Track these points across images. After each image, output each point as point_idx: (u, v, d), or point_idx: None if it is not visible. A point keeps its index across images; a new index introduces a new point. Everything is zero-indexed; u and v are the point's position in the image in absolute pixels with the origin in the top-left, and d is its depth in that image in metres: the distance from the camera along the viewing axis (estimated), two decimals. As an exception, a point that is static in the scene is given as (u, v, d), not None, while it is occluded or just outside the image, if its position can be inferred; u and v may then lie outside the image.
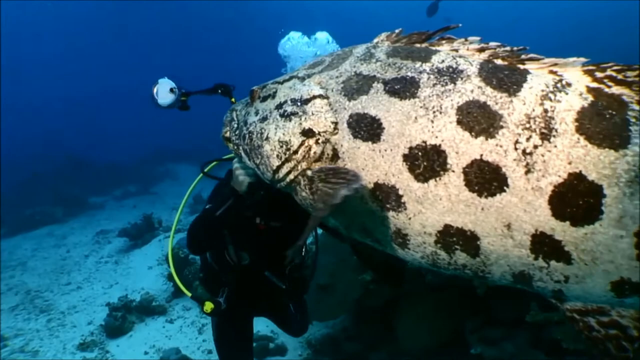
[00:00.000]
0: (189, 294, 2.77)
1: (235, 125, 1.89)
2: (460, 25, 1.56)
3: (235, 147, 1.87)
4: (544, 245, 1.26)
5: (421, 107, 1.39)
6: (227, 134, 1.95)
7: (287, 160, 1.57)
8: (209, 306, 2.63)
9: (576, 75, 1.34)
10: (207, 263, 2.86)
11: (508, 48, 1.43)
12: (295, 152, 1.55)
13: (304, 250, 2.92)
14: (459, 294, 4.04)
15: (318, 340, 5.09)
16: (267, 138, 1.63)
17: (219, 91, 2.61)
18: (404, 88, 1.44)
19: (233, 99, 2.58)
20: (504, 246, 1.31)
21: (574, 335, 3.14)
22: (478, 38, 1.49)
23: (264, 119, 1.69)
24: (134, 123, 25.76)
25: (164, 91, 2.49)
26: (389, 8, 35.35)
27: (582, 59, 1.35)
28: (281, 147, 1.58)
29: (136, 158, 17.75)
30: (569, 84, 1.32)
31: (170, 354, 4.76)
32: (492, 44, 1.46)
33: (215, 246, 2.72)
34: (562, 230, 1.23)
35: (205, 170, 2.72)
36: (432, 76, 1.43)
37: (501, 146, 1.28)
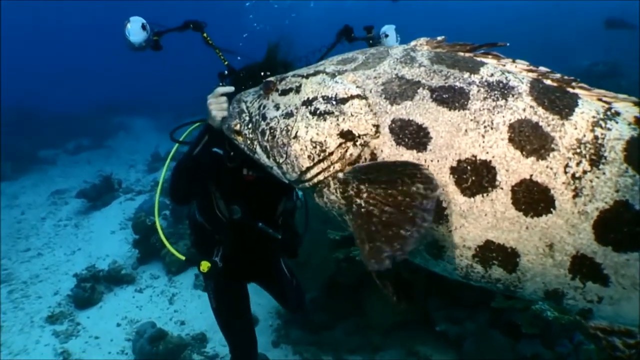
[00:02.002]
0: (183, 258, 2.75)
1: (248, 118, 1.78)
2: (507, 44, 1.54)
3: (249, 142, 1.76)
4: (583, 266, 1.29)
5: (472, 120, 1.36)
6: (237, 127, 1.83)
7: (320, 161, 1.51)
8: (205, 265, 2.60)
9: (625, 105, 1.36)
10: (198, 223, 2.79)
11: (558, 75, 1.42)
12: (331, 153, 1.49)
13: (294, 195, 2.89)
14: (427, 275, 4.26)
15: (287, 311, 5.17)
16: (296, 137, 1.54)
17: (190, 26, 2.48)
18: (452, 98, 1.40)
19: (205, 34, 2.48)
20: (542, 265, 1.33)
21: (532, 321, 3.46)
22: (526, 62, 1.47)
23: (288, 115, 1.60)
24: (84, 69, 24.21)
25: (135, 28, 2.36)
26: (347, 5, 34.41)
27: (634, 98, 1.37)
28: (314, 147, 1.50)
29: (88, 108, 16.71)
30: (617, 113, 1.33)
31: (146, 328, 4.66)
32: (542, 68, 1.45)
33: (196, 193, 2.66)
34: (603, 254, 1.26)
35: (181, 138, 2.63)
36: (482, 89, 1.40)
37: (551, 168, 1.28)
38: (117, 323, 5.16)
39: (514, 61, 1.48)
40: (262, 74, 2.40)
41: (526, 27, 23.00)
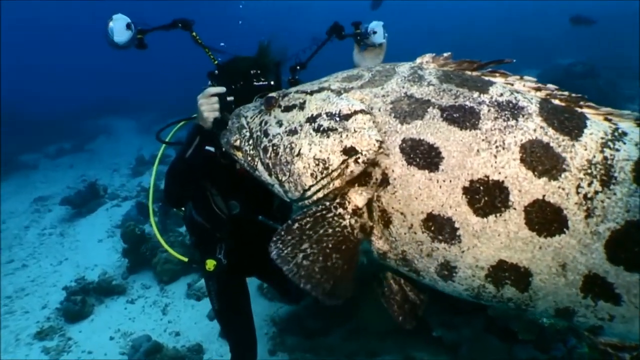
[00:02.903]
0: (185, 259, 2.74)
1: (248, 134, 1.74)
2: (514, 60, 1.53)
3: (249, 158, 1.72)
4: (595, 286, 1.31)
5: (483, 140, 1.36)
6: (238, 143, 1.78)
7: (322, 179, 1.49)
8: (211, 264, 2.60)
9: (629, 125, 1.37)
10: (197, 223, 2.76)
11: (566, 93, 1.43)
12: (334, 171, 1.47)
13: None
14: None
15: (282, 318, 5.12)
16: (299, 154, 1.51)
17: (179, 25, 2.42)
18: (463, 117, 1.40)
19: (194, 33, 2.43)
20: (555, 284, 1.34)
21: (527, 327, 3.53)
22: (534, 79, 1.48)
23: (292, 132, 1.57)
24: (63, 71, 23.63)
25: (119, 27, 2.27)
26: (335, 7, 34.30)
27: (636, 113, 1.40)
28: (317, 165, 1.48)
29: (68, 111, 16.38)
30: (624, 134, 1.35)
31: (142, 342, 4.58)
32: (550, 86, 1.46)
33: (191, 195, 2.66)
34: (615, 274, 1.28)
35: (167, 139, 2.63)
36: (492, 109, 1.40)
37: (564, 189, 1.29)
38: (110, 336, 5.04)
39: (521, 78, 1.48)
40: (252, 72, 2.40)
41: (506, 26, 23.33)
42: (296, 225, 1.46)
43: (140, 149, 12.36)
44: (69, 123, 15.21)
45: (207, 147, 2.37)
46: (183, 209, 2.94)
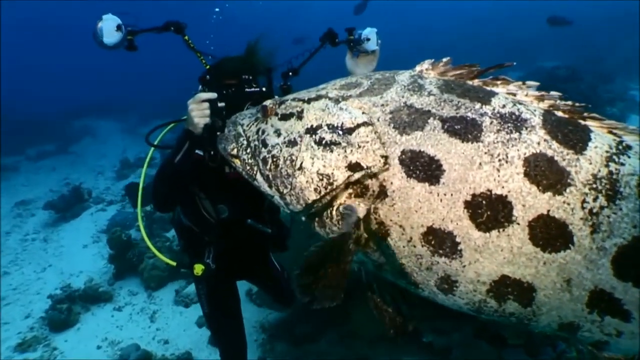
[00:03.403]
0: (174, 264, 2.69)
1: (246, 143, 1.70)
2: (514, 63, 1.50)
3: (248, 168, 1.67)
4: (602, 301, 1.28)
5: (486, 152, 1.32)
6: (235, 152, 1.75)
7: (326, 194, 1.45)
8: (199, 268, 2.56)
9: (634, 138, 1.35)
10: (185, 227, 2.73)
11: (570, 102, 1.39)
12: (339, 187, 1.43)
13: None
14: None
15: (272, 325, 5.07)
16: (301, 168, 1.47)
17: (171, 29, 2.37)
18: (465, 129, 1.35)
19: (186, 37, 2.39)
20: (559, 300, 1.32)
21: (517, 333, 3.57)
22: (536, 83, 1.43)
23: (291, 143, 1.52)
24: (44, 71, 23.14)
25: (109, 28, 2.21)
26: (313, 6, 34.27)
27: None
28: (321, 180, 1.43)
29: (50, 112, 15.94)
30: (629, 147, 1.32)
31: (130, 351, 4.46)
32: (553, 93, 1.41)
33: (180, 199, 2.63)
34: (623, 290, 1.25)
35: (155, 142, 2.57)
36: (494, 121, 1.36)
37: (569, 204, 1.26)
38: (98, 345, 4.90)
39: (523, 83, 1.44)
40: (244, 77, 2.37)
41: (489, 27, 23.57)
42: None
43: (125, 151, 12.17)
44: (51, 124, 14.78)
45: (195, 151, 2.35)
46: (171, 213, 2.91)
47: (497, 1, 29.01)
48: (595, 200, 1.25)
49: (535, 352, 3.68)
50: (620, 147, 1.32)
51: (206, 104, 2.17)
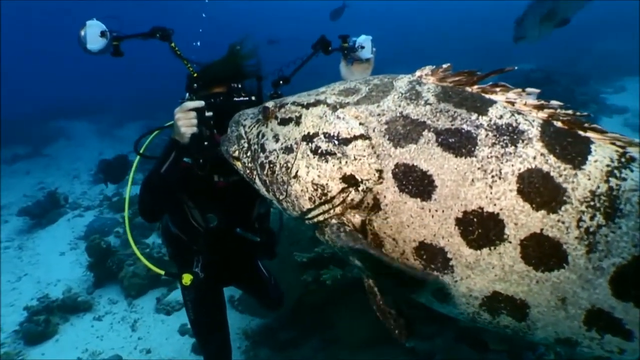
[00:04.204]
0: (162, 272, 2.62)
1: (246, 146, 1.72)
2: (515, 67, 1.46)
3: (248, 171, 1.71)
4: (600, 320, 1.23)
5: (479, 168, 1.28)
6: (236, 154, 1.76)
7: (321, 204, 1.45)
8: (187, 278, 2.54)
9: (638, 150, 1.27)
10: (173, 235, 2.72)
11: (570, 111, 1.32)
12: (333, 197, 1.43)
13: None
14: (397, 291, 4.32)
15: (255, 331, 5.03)
16: (296, 176, 1.48)
17: (157, 35, 2.29)
18: (459, 143, 1.31)
19: (173, 44, 2.31)
20: (554, 317, 1.27)
21: (499, 337, 3.65)
22: (537, 90, 1.37)
23: (288, 150, 1.53)
24: (15, 71, 22.47)
25: (93, 34, 2.14)
26: (290, 9, 34.10)
27: None
28: (315, 190, 1.44)
29: (23, 113, 15.53)
30: (632, 159, 1.24)
31: None
32: (554, 102, 1.34)
33: (167, 209, 2.61)
34: (623, 310, 1.20)
35: (141, 150, 2.51)
36: (490, 133, 1.30)
37: (563, 222, 1.20)
38: (78, 357, 4.75)
39: (523, 90, 1.38)
40: (233, 85, 2.33)
41: (469, 28, 23.80)
42: None
43: (101, 153, 11.89)
44: (24, 126, 14.31)
45: (183, 159, 2.31)
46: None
47: (468, 1, 29.34)
48: (592, 218, 1.20)
49: (517, 356, 3.77)
50: (623, 159, 1.24)
51: (193, 113, 2.13)
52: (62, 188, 9.51)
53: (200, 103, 2.15)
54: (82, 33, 2.15)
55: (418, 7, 33.79)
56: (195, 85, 2.34)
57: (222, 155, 1.91)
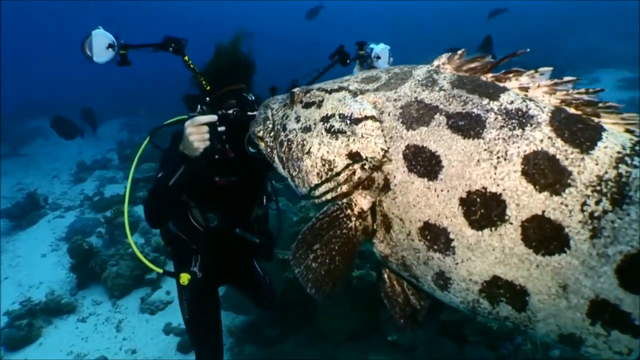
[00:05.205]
0: (160, 271, 2.61)
1: (271, 126, 1.76)
2: (528, 50, 1.41)
3: (269, 150, 1.74)
4: (605, 312, 1.17)
5: (485, 149, 1.26)
6: (261, 133, 1.80)
7: (327, 180, 1.47)
8: (185, 277, 2.54)
9: None
10: (173, 235, 2.69)
11: (582, 90, 1.29)
12: (338, 173, 1.45)
13: (264, 200, 2.83)
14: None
15: (239, 328, 5.01)
16: (308, 152, 1.52)
17: (170, 49, 2.19)
18: (468, 125, 1.30)
19: (186, 57, 2.24)
20: (555, 306, 1.22)
21: (478, 330, 3.77)
22: (549, 69, 1.34)
23: (306, 129, 1.57)
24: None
25: (99, 46, 2.03)
26: (267, 7, 33.68)
27: None
28: (323, 165, 1.47)
29: (-1, 112, 15.27)
30: None
31: None
32: (566, 78, 1.32)
33: (174, 215, 2.60)
34: (632, 303, 1.13)
35: (137, 156, 2.55)
36: (499, 117, 1.29)
37: (566, 205, 1.17)
38: None
39: (536, 71, 1.36)
40: (246, 95, 2.29)
41: (438, 25, 23.96)
42: (317, 223, 1.44)
43: (81, 152, 11.70)
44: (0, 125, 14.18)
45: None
46: None
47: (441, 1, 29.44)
48: (597, 203, 1.15)
49: (495, 346, 3.90)
50: (637, 147, 1.20)
51: (205, 128, 2.05)
52: (42, 188, 9.25)
53: (212, 117, 2.08)
54: (88, 44, 2.05)
55: (385, 7, 33.55)
56: (208, 99, 2.26)
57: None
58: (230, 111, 2.23)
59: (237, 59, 2.36)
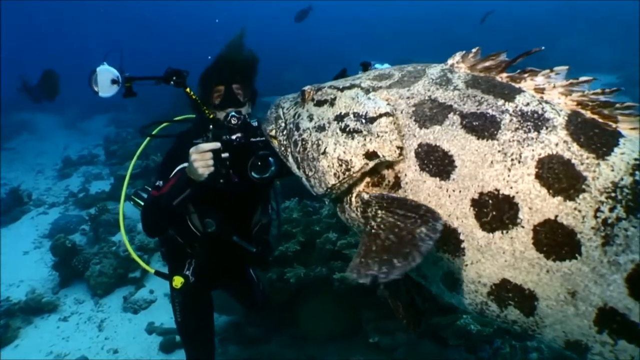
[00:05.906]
0: (152, 270, 2.64)
1: (283, 125, 1.72)
2: (543, 48, 1.38)
3: (283, 149, 1.71)
4: (613, 321, 1.15)
5: (499, 151, 1.24)
6: (273, 132, 1.77)
7: (345, 180, 1.44)
8: (178, 281, 2.53)
9: None
10: (169, 237, 2.66)
11: (599, 90, 1.26)
12: (356, 173, 1.42)
13: (270, 208, 2.81)
14: (360, 287, 4.45)
15: (222, 327, 4.91)
16: (324, 152, 1.49)
17: (172, 82, 2.28)
18: (483, 126, 1.27)
19: (188, 89, 2.30)
20: (563, 313, 1.20)
21: (458, 333, 3.80)
22: (565, 68, 1.31)
23: (320, 129, 1.54)
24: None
25: (104, 82, 2.15)
26: (256, 8, 33.52)
27: None
28: (340, 165, 1.44)
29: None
30: None
31: None
32: (583, 78, 1.29)
33: (171, 227, 2.59)
34: None
35: (131, 165, 2.58)
36: (514, 119, 1.26)
37: (580, 211, 1.15)
38: None
39: (551, 70, 1.32)
40: (251, 124, 2.32)
41: (428, 26, 23.99)
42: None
43: (67, 147, 11.46)
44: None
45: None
46: None
47: (432, 1, 29.46)
48: (612, 210, 1.13)
49: (475, 349, 3.94)
50: None
51: (209, 154, 2.11)
52: (26, 184, 8.97)
53: (216, 145, 2.13)
54: (93, 80, 2.16)
55: (377, 8, 33.31)
56: (211, 127, 2.30)
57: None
58: (234, 137, 2.25)
59: (234, 58, 2.41)
